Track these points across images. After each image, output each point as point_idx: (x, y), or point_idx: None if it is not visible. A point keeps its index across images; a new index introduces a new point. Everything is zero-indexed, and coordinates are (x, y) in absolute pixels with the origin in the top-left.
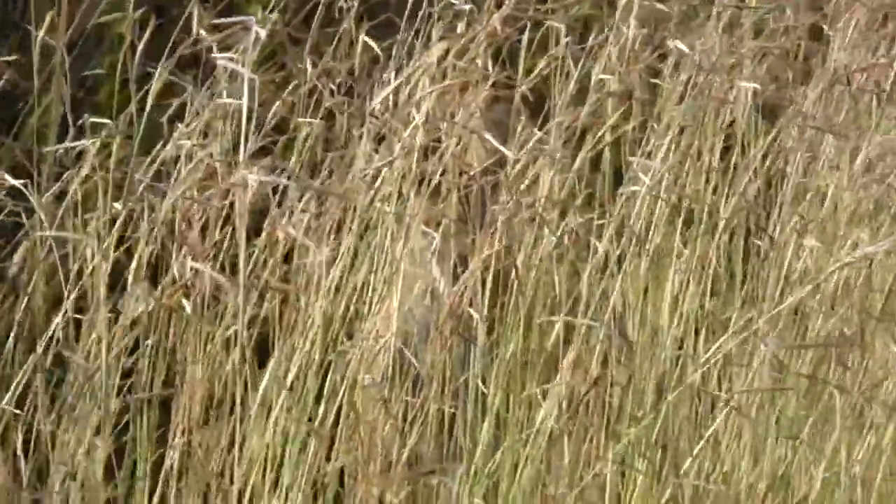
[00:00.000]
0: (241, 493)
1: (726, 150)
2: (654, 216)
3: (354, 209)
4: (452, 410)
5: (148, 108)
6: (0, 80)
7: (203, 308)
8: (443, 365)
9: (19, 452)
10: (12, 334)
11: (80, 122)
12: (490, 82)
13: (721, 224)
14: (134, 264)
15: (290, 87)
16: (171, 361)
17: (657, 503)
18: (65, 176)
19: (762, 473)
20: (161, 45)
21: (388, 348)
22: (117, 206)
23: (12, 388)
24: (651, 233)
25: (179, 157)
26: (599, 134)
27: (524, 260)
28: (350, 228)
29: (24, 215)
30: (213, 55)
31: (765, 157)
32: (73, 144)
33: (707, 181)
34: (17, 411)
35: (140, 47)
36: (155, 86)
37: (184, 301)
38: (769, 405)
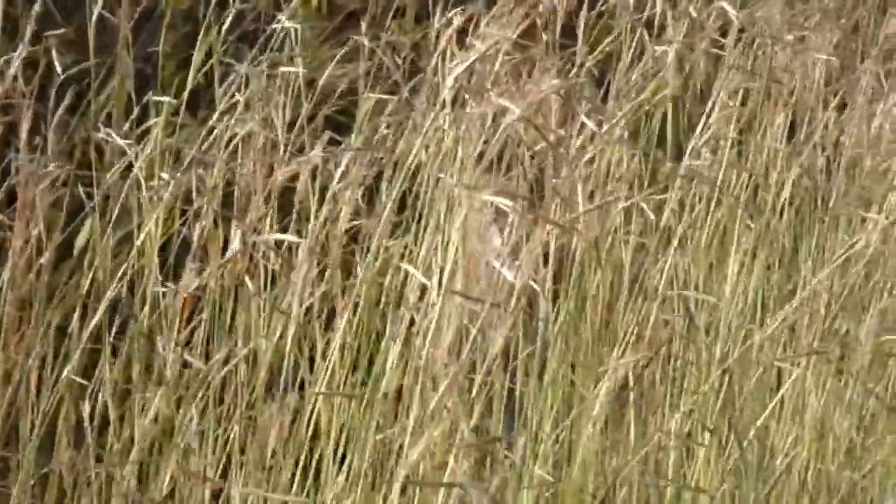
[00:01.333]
0: (306, 464)
1: (793, 124)
2: (715, 191)
3: (421, 182)
4: (518, 387)
5: (214, 82)
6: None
7: (266, 283)
8: (507, 340)
9: (85, 423)
10: (78, 309)
11: (145, 99)
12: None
13: (783, 197)
14: (196, 237)
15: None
16: (226, 335)
17: (720, 475)
18: (129, 153)
19: (828, 445)
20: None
21: (452, 322)
22: (164, 176)
23: (74, 359)
24: (712, 207)
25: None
26: (655, 106)
27: (586, 235)
28: (414, 203)
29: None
30: (274, 25)
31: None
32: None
33: (770, 154)
34: (83, 381)
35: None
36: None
37: (246, 279)
38: (832, 378)
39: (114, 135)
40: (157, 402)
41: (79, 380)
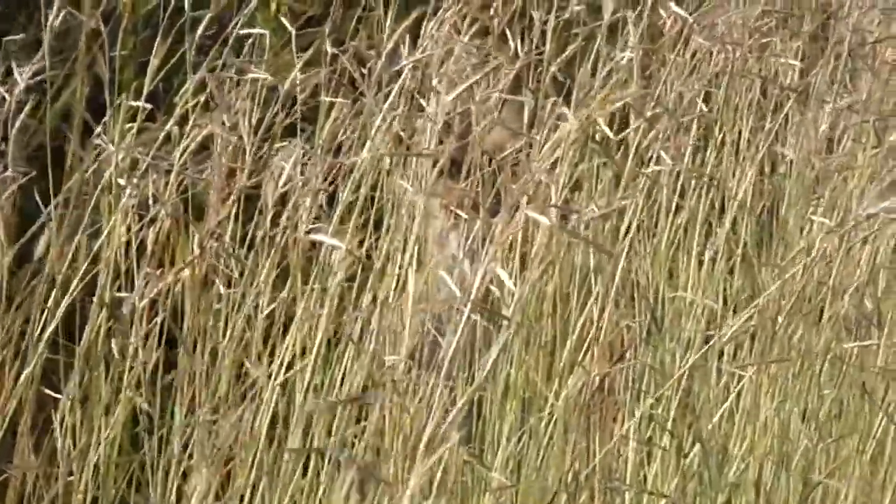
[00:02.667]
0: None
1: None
2: (676, 195)
3: (381, 189)
4: (479, 393)
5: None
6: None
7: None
8: (467, 345)
9: (55, 425)
10: (35, 317)
11: (114, 103)
12: (519, 63)
13: (734, 203)
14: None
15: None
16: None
17: (679, 479)
18: (95, 157)
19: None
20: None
21: (414, 329)
22: (121, 182)
23: (33, 363)
24: (671, 213)
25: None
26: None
27: (546, 241)
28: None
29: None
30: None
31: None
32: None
33: (731, 159)
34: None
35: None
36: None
37: (217, 281)
38: (787, 381)
39: (102, 137)
40: (119, 408)
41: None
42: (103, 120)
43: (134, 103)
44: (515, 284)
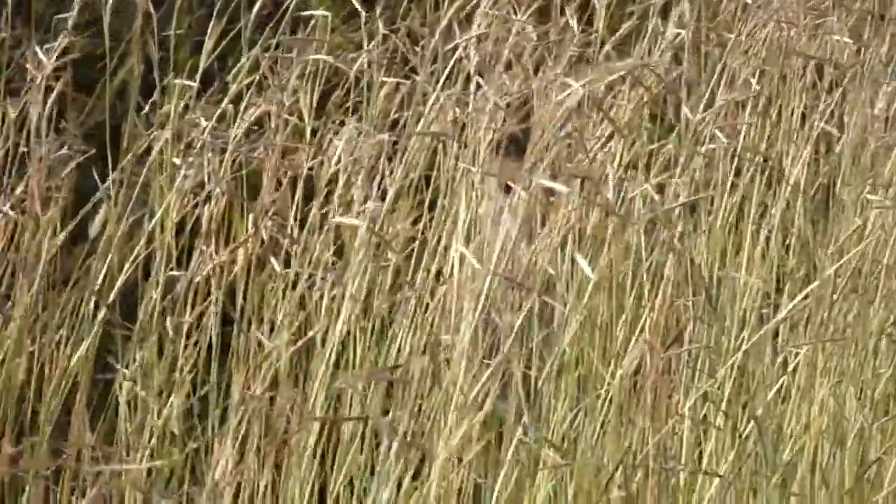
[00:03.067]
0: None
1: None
2: (732, 174)
3: (438, 168)
4: (533, 371)
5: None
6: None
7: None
8: (523, 324)
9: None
10: (90, 296)
11: (164, 82)
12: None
13: (792, 181)
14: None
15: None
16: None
17: (733, 459)
18: (147, 136)
19: (836, 429)
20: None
21: (470, 308)
22: (176, 161)
23: (85, 345)
24: (726, 191)
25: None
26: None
27: (601, 219)
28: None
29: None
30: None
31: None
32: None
33: (789, 140)
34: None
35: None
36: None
37: (272, 259)
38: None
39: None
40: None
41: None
42: (151, 99)
43: (184, 82)
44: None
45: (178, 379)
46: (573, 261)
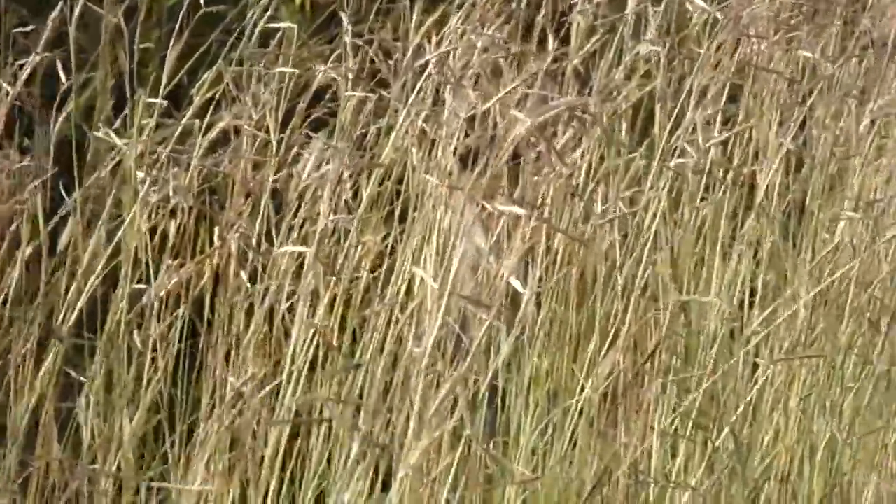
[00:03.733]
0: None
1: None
2: (701, 189)
3: (405, 182)
4: (500, 384)
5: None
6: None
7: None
8: (489, 338)
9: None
10: (59, 306)
11: (134, 97)
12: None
13: (762, 195)
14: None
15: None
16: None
17: (704, 472)
18: (113, 153)
19: (807, 446)
20: (211, 19)
21: (436, 321)
22: (140, 174)
23: (55, 355)
24: (698, 208)
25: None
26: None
27: (568, 233)
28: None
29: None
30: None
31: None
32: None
33: (757, 155)
34: (71, 373)
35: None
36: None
37: (241, 272)
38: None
39: (111, 133)
40: (143, 398)
41: (68, 372)
42: (122, 113)
43: (151, 99)
44: (537, 279)
45: (145, 390)
46: (540, 278)
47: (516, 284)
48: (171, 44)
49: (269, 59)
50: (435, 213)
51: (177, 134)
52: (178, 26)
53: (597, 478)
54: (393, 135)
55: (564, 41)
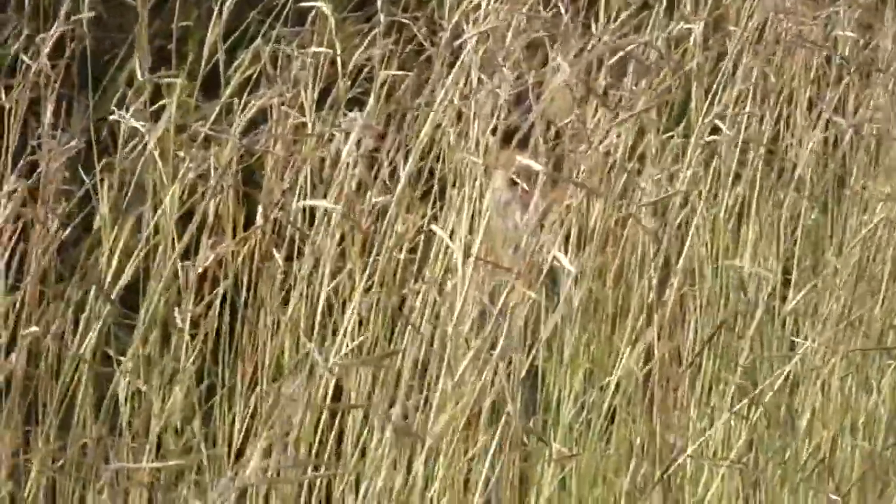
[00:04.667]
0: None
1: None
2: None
3: (442, 160)
4: (538, 363)
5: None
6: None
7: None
8: (526, 317)
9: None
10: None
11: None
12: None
13: (798, 173)
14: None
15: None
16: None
17: (743, 446)
18: (145, 130)
19: (850, 421)
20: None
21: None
22: (181, 154)
23: (89, 337)
24: (731, 182)
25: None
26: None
27: (604, 211)
28: (437, 179)
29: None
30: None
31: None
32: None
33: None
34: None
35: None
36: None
37: (275, 252)
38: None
39: (126, 116)
40: (180, 375)
41: (110, 352)
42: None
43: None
44: (572, 260)
45: (182, 370)
46: (577, 253)
47: (563, 260)
48: (211, 25)
49: (304, 39)
50: (472, 191)
51: (215, 113)
52: (218, 5)
53: (628, 454)
54: (431, 114)
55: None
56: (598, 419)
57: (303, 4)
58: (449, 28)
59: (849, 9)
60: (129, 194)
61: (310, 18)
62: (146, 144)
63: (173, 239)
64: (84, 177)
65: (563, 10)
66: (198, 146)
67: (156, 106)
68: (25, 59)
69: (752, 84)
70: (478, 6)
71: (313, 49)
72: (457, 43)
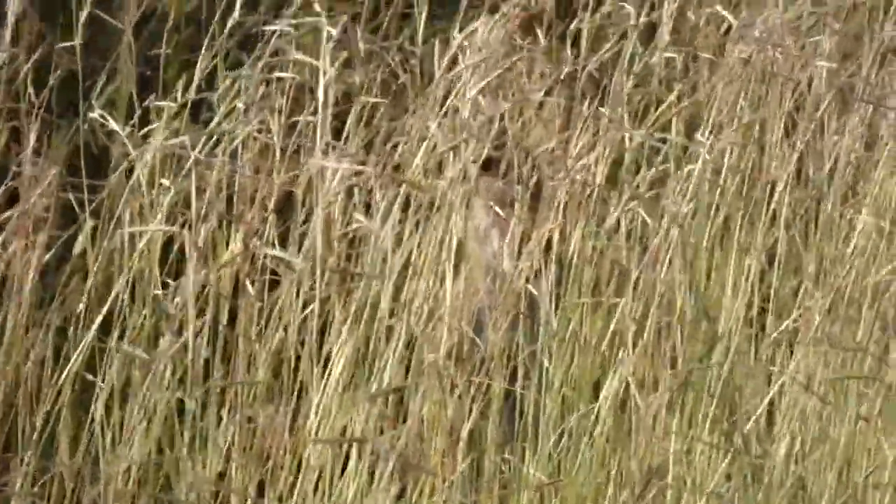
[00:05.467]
0: (298, 468)
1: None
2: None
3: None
4: (517, 389)
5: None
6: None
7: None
8: (506, 343)
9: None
10: (78, 311)
11: (146, 102)
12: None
13: (779, 200)
14: (195, 241)
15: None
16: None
17: (721, 475)
18: (130, 156)
19: (828, 450)
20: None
21: (452, 326)
22: (165, 182)
23: (75, 361)
24: (713, 211)
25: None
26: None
27: (582, 238)
28: (415, 208)
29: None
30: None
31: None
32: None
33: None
34: (90, 377)
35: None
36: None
37: (247, 283)
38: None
39: (121, 133)
40: (159, 405)
41: (88, 375)
42: (134, 119)
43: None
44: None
45: (162, 398)
46: (559, 280)
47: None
48: (203, 51)
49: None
50: (451, 220)
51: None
52: (200, 30)
53: (606, 482)
54: (403, 141)
55: (573, 44)
56: (577, 448)
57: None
58: (445, 60)
59: (829, 38)
60: (113, 221)
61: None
62: (132, 170)
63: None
64: (72, 201)
65: (541, 40)
66: (184, 174)
67: (143, 131)
68: None
69: (733, 114)
70: (472, 34)
71: (277, 74)
72: (446, 75)
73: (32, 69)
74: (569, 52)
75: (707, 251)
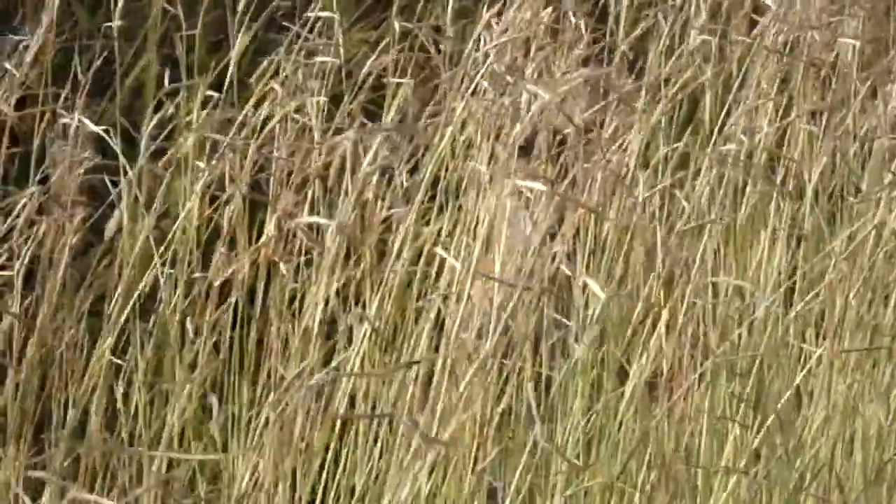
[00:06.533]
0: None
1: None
2: (749, 175)
3: (448, 169)
4: (547, 372)
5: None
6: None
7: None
8: (537, 325)
9: (118, 407)
10: (110, 294)
11: (174, 85)
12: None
13: (811, 184)
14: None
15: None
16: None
17: (750, 458)
18: (160, 137)
19: (855, 431)
20: (258, 7)
21: (483, 309)
22: (200, 164)
23: (106, 344)
24: (748, 192)
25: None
26: (684, 88)
27: (616, 219)
28: (444, 189)
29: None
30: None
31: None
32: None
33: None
34: (119, 362)
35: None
36: (241, 43)
37: (281, 265)
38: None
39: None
40: (189, 387)
41: (116, 360)
42: (176, 100)
43: (192, 82)
44: (587, 267)
45: (195, 379)
46: (588, 264)
47: (594, 288)
48: (239, 38)
49: (314, 48)
50: (480, 202)
51: (237, 123)
52: (230, 13)
53: (637, 464)
54: (449, 130)
55: (601, 20)
56: (607, 429)
57: (308, 14)
58: (473, 38)
59: (860, 17)
60: (144, 203)
61: (316, 29)
62: (167, 151)
63: (191, 249)
64: (107, 182)
65: (571, 17)
66: (217, 156)
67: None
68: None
69: (767, 97)
70: (499, 13)
71: (318, 59)
72: (476, 53)
73: (65, 51)
74: (607, 29)
75: (738, 231)
